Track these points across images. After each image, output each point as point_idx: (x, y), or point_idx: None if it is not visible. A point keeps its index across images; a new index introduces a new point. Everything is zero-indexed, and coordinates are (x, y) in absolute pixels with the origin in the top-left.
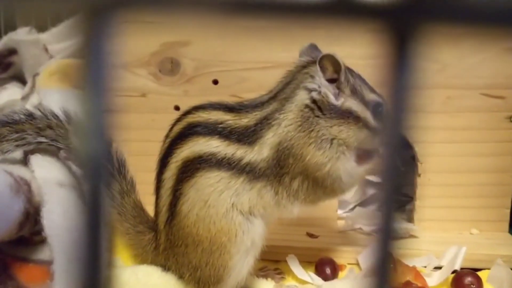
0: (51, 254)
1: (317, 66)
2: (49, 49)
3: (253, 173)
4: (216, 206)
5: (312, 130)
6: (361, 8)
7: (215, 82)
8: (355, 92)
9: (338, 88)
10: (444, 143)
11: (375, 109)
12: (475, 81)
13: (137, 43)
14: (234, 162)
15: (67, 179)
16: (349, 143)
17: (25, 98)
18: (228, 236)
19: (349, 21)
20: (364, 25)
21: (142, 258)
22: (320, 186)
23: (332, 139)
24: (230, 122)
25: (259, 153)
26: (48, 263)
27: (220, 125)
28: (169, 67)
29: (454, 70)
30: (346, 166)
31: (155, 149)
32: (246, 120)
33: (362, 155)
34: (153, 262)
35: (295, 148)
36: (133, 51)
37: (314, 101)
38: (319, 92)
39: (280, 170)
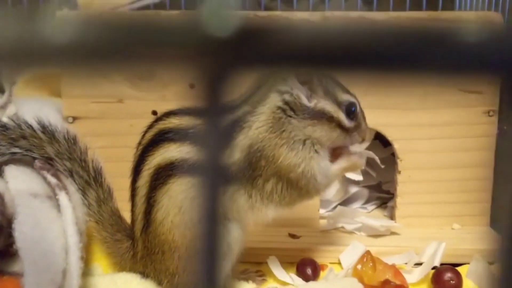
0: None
1: (295, 78)
2: None
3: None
4: (190, 212)
5: (284, 131)
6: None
7: (192, 86)
8: (327, 93)
9: (311, 89)
10: (423, 139)
11: (348, 108)
12: (452, 77)
13: None
14: None
15: (41, 190)
16: (322, 142)
17: (3, 107)
18: None
19: (163, 63)
20: (179, 67)
21: (120, 266)
22: (294, 187)
23: (305, 140)
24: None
25: (230, 156)
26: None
27: (191, 130)
28: (146, 72)
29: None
30: (321, 165)
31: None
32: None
33: (335, 153)
34: (132, 270)
35: (266, 149)
36: None
37: (286, 103)
38: (291, 94)
39: (253, 173)
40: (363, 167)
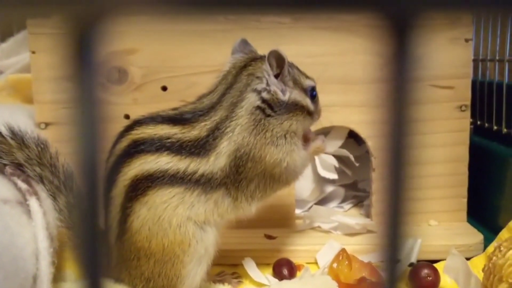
0: None
1: (266, 64)
2: None
3: (209, 184)
4: (170, 221)
5: (266, 131)
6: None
7: (164, 88)
8: (296, 82)
9: (283, 81)
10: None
11: (311, 93)
12: (422, 73)
13: None
14: (187, 176)
15: (11, 196)
16: (297, 133)
17: None
18: (181, 247)
19: (348, 12)
20: (363, 16)
21: None
22: (276, 181)
23: (285, 134)
24: (178, 135)
25: (215, 163)
26: None
27: (168, 140)
28: (117, 76)
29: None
30: (300, 156)
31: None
32: (195, 132)
33: (304, 139)
34: (106, 275)
35: (253, 151)
36: None
37: (264, 101)
38: (269, 91)
39: (238, 176)
40: (325, 150)
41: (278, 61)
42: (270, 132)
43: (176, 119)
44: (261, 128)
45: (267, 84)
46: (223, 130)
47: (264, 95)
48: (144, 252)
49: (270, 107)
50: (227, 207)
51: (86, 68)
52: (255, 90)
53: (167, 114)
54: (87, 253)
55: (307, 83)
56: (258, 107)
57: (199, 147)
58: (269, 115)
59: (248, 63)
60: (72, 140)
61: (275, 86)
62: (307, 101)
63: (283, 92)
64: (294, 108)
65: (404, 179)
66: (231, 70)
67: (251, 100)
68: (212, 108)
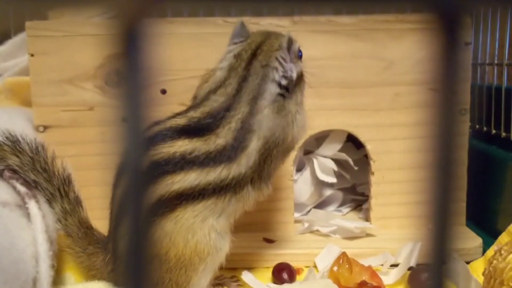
0: None
1: (284, 51)
2: None
3: (239, 184)
4: (195, 232)
5: (287, 114)
6: None
7: (163, 91)
8: (295, 54)
9: (291, 61)
10: (396, 139)
11: (300, 55)
12: (422, 76)
13: (82, 56)
14: (219, 184)
15: (10, 199)
16: (302, 100)
17: None
18: (200, 256)
19: (399, 8)
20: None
21: (99, 277)
22: (286, 152)
23: (298, 109)
24: (203, 147)
25: (247, 164)
26: None
27: (192, 154)
28: (115, 79)
29: (401, 66)
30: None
31: (105, 162)
32: (221, 140)
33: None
34: (109, 280)
35: (278, 138)
36: (78, 65)
37: (283, 87)
38: (286, 77)
39: (263, 165)
40: None
41: (289, 44)
42: (290, 114)
43: (192, 129)
44: (283, 113)
45: (284, 71)
46: (250, 128)
47: (283, 81)
48: (159, 259)
49: (287, 90)
50: (250, 198)
51: (133, 69)
52: (274, 80)
53: (176, 125)
54: (132, 255)
55: (297, 47)
56: (278, 94)
57: (229, 153)
58: (286, 97)
59: (255, 51)
60: (119, 142)
61: (290, 70)
62: (302, 66)
63: (293, 72)
64: (299, 80)
65: (454, 180)
66: (239, 61)
67: (272, 90)
68: (230, 105)
